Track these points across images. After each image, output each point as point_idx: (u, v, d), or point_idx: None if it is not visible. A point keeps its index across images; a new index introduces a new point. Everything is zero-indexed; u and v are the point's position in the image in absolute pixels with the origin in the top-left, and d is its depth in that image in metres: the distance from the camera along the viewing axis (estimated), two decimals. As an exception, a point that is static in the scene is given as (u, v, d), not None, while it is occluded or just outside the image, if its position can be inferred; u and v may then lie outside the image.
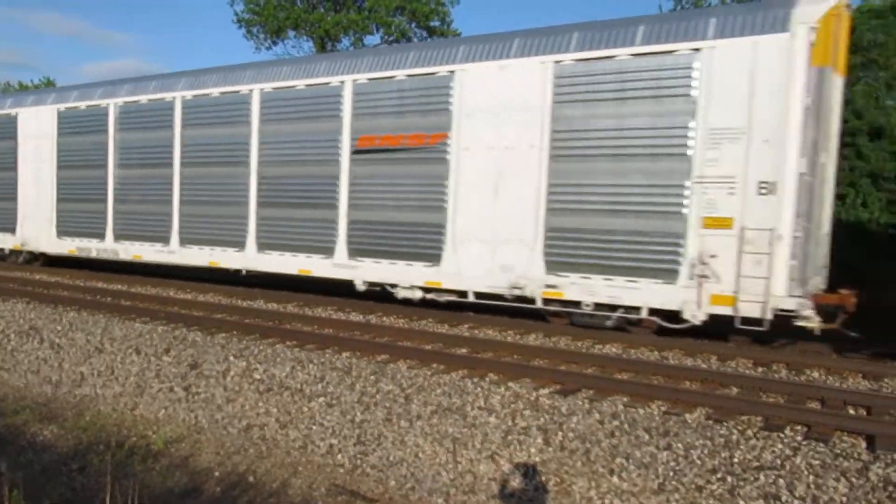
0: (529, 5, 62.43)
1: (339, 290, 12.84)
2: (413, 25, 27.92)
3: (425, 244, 11.25)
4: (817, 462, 5.53)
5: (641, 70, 9.53)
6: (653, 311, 9.53)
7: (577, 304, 10.06)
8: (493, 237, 10.62)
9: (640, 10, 46.47)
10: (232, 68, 14.05)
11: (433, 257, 11.15)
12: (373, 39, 28.13)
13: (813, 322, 8.67)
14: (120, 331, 10.38)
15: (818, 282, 9.16)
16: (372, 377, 7.89)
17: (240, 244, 13.40)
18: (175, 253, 14.48)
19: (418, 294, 11.39)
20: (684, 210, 9.22)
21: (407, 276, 11.40)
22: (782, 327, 9.04)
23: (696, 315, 9.16)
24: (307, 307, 12.58)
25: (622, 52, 9.63)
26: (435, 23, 27.71)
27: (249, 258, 13.31)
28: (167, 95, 14.56)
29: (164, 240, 14.64)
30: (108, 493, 4.92)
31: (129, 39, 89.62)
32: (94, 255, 16.10)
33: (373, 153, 11.73)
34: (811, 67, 8.59)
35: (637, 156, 9.54)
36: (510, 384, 7.48)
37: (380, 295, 12.04)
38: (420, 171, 11.30)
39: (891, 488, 5.15)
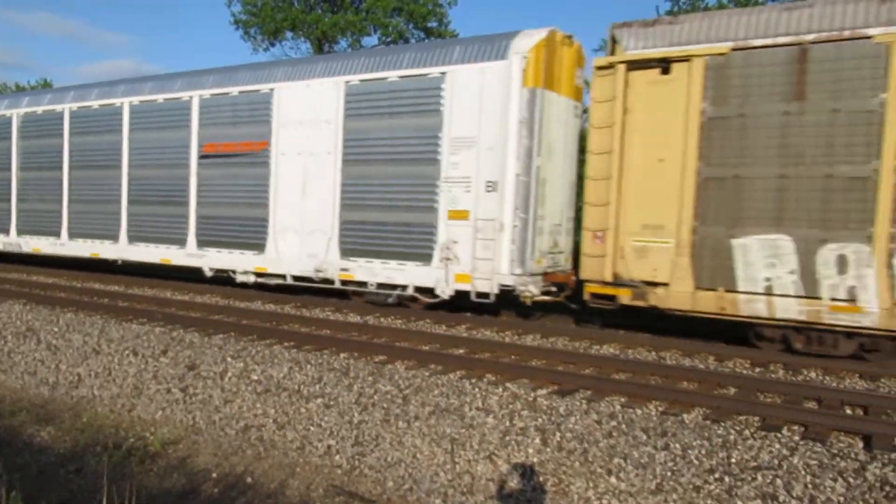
0: (526, 5, 62.54)
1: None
2: (411, 26, 27.90)
3: (254, 235, 13.31)
4: (814, 462, 5.54)
5: (407, 89, 11.50)
6: (417, 289, 11.45)
7: (365, 284, 11.99)
8: (302, 229, 12.66)
9: (639, 11, 46.60)
10: (109, 84, 16.36)
11: (260, 247, 13.23)
12: (370, 40, 28.11)
13: (529, 296, 10.67)
14: (117, 332, 10.36)
15: (551, 262, 11.23)
16: (370, 378, 7.89)
17: (114, 237, 15.61)
18: (65, 245, 16.67)
19: (252, 278, 13.44)
20: (436, 205, 11.19)
21: (242, 263, 13.50)
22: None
23: (444, 291, 11.11)
24: (305, 308, 12.57)
25: (393, 74, 11.65)
26: (433, 23, 27.69)
27: (122, 249, 15.52)
28: (58, 107, 16.73)
29: (56, 234, 16.82)
30: (105, 494, 4.91)
31: (126, 40, 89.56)
32: (1, 248, 18.27)
33: (215, 158, 13.86)
34: (523, 88, 10.40)
35: (404, 161, 11.53)
36: (508, 385, 7.48)
37: (225, 280, 14.11)
38: (250, 174, 13.36)
39: (888, 488, 5.15)
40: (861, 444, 5.87)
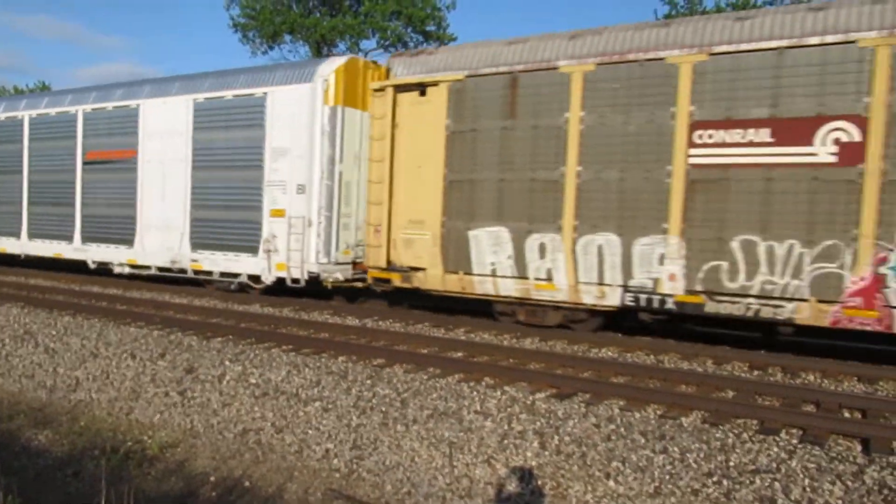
0: (524, 6, 62.70)
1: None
2: (409, 30, 27.93)
3: (126, 232, 15.34)
4: (813, 465, 5.54)
5: (239, 107, 13.49)
6: (249, 277, 13.38)
7: (211, 273, 13.88)
8: (162, 225, 14.65)
9: (637, 14, 46.66)
10: (14, 98, 18.87)
11: (130, 241, 15.29)
12: (369, 44, 28.15)
13: (332, 281, 12.51)
14: (115, 335, 10.35)
15: (360, 253, 12.75)
16: (368, 381, 7.89)
17: (17, 234, 17.83)
18: None
19: (127, 269, 15.40)
20: (261, 205, 13.10)
21: (117, 256, 15.52)
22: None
23: (268, 278, 13.04)
24: (303, 311, 12.57)
25: (229, 94, 13.66)
26: (431, 27, 27.72)
27: (23, 245, 17.72)
28: None
29: None
30: (103, 498, 4.90)
31: (123, 42, 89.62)
32: None
33: (96, 164, 15.88)
34: (325, 105, 12.35)
35: (237, 167, 13.48)
36: (506, 388, 7.48)
37: (105, 271, 15.96)
38: (123, 178, 15.34)
39: (886, 491, 5.16)
40: (859, 448, 5.87)
